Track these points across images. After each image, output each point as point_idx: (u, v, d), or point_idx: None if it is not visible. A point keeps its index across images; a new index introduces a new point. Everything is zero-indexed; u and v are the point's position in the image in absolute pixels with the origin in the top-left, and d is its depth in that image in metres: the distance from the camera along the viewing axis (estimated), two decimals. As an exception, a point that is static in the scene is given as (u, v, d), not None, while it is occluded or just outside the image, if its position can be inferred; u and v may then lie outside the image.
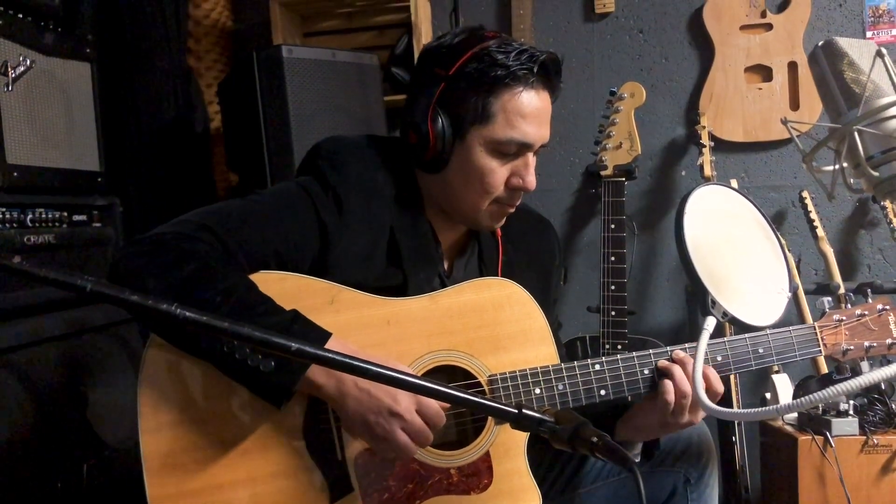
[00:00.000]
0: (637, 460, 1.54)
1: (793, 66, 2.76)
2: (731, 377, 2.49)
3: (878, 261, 2.79)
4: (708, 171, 2.61)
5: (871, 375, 1.05)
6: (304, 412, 1.34)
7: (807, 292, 2.55)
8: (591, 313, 2.46)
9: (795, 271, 2.50)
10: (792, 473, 2.17)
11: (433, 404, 1.28)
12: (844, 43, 0.92)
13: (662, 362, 1.43)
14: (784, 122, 0.98)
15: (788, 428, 2.28)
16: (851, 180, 0.95)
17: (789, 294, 1.27)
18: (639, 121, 2.55)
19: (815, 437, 2.16)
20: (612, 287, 2.14)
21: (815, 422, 2.20)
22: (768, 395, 2.51)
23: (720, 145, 2.79)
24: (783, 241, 1.47)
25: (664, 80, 2.92)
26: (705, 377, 1.40)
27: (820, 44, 0.94)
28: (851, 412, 2.17)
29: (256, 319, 1.22)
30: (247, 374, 1.23)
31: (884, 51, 0.86)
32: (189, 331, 1.22)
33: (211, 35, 2.90)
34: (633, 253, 2.84)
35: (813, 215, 2.61)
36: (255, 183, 2.32)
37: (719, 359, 1.45)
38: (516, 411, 1.08)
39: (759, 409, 1.01)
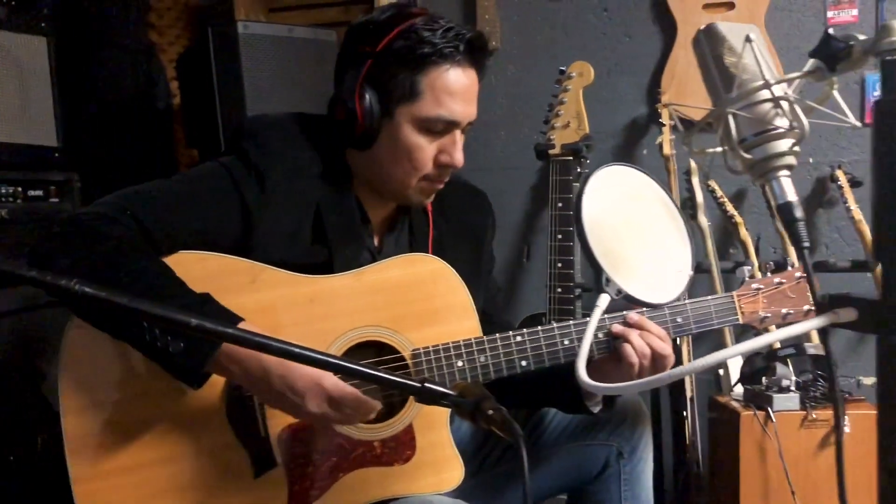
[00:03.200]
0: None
1: (754, 45, 2.75)
2: (685, 348, 2.53)
3: (835, 240, 2.81)
4: (668, 149, 2.62)
5: (771, 336, 1.09)
6: (227, 389, 1.36)
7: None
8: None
9: (713, 250, 2.54)
10: (735, 447, 2.22)
11: (346, 393, 1.28)
12: (724, 28, 0.94)
13: (617, 327, 1.44)
14: (660, 100, 1.00)
15: (734, 403, 2.32)
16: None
17: (690, 272, 1.29)
18: (601, 99, 2.55)
19: (758, 412, 2.20)
20: (559, 265, 2.17)
21: (758, 398, 2.24)
22: (721, 372, 2.56)
23: (681, 124, 2.79)
24: (689, 222, 1.47)
25: (627, 59, 2.91)
26: (650, 343, 1.41)
27: (702, 28, 0.96)
28: (793, 388, 2.21)
29: (165, 301, 1.21)
30: (158, 355, 1.24)
31: (752, 36, 0.88)
32: (103, 310, 1.22)
33: (174, 10, 2.90)
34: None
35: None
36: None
37: None
38: (419, 385, 1.10)
39: (662, 374, 1.05)
